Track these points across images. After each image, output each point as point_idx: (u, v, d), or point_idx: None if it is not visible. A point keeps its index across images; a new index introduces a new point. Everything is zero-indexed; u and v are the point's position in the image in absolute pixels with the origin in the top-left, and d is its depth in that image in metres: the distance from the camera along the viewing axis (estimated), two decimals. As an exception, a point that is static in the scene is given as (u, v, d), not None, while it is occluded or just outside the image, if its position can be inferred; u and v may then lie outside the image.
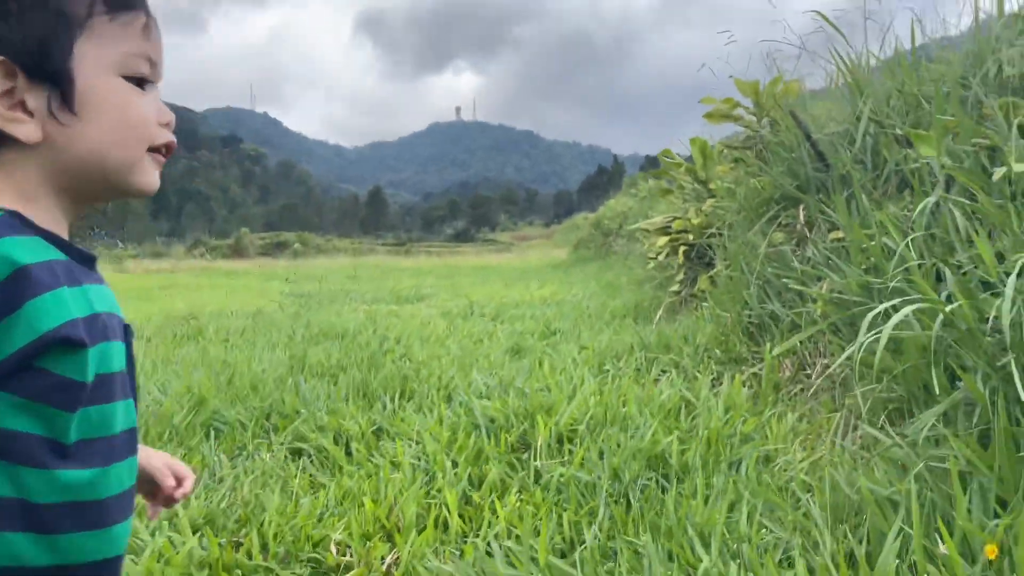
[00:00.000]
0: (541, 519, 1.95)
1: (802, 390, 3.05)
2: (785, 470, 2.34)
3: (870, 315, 2.01)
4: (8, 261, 0.60)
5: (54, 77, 0.66)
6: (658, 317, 5.84)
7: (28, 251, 0.62)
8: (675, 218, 6.19)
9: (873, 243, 2.66)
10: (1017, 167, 2.03)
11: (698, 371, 3.50)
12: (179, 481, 0.90)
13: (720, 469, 2.35)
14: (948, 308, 1.94)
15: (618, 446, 2.44)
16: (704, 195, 6.06)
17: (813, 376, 2.96)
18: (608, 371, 3.76)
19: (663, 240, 6.12)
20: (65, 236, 0.70)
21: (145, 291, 11.31)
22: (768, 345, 3.24)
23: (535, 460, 2.43)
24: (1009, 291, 1.69)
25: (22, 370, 0.61)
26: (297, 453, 2.64)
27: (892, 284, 2.19)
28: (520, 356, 4.48)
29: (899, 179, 3.27)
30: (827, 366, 2.91)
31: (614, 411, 2.82)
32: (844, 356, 2.13)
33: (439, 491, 2.10)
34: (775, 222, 3.94)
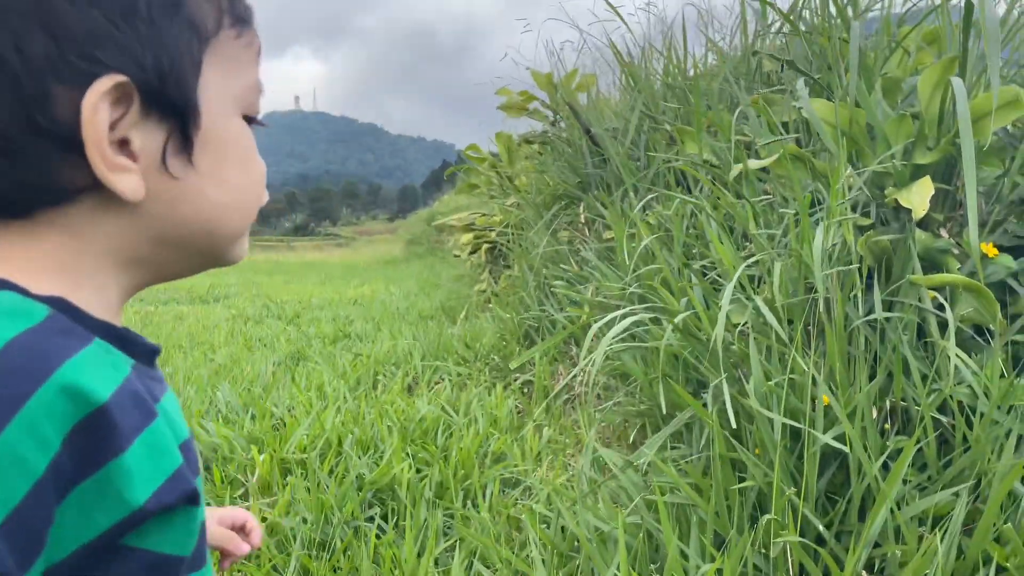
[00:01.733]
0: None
1: (568, 401, 2.86)
2: (527, 496, 2.10)
3: (596, 325, 1.80)
4: (81, 397, 0.38)
5: (179, 109, 0.45)
6: (461, 318, 5.59)
7: (98, 373, 0.40)
8: (480, 215, 5.97)
9: (633, 245, 2.49)
10: (753, 164, 1.89)
11: (470, 380, 3.25)
12: (243, 529, 0.77)
13: (458, 498, 2.08)
14: (680, 317, 1.76)
15: (343, 477, 2.10)
16: (509, 191, 5.88)
17: (577, 386, 2.77)
18: (379, 381, 3.43)
19: (467, 237, 5.88)
20: (119, 322, 0.49)
21: None
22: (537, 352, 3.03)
23: (254, 500, 2.05)
24: (725, 301, 1.51)
25: (106, 552, 0.41)
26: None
27: (633, 290, 2.00)
28: (296, 365, 4.05)
29: (675, 177, 3.17)
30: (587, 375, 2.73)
31: (362, 433, 2.49)
32: (578, 368, 1.92)
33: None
34: (559, 220, 3.77)
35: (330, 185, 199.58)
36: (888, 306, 1.65)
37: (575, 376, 2.57)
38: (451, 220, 6.30)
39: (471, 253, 5.98)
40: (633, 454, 1.86)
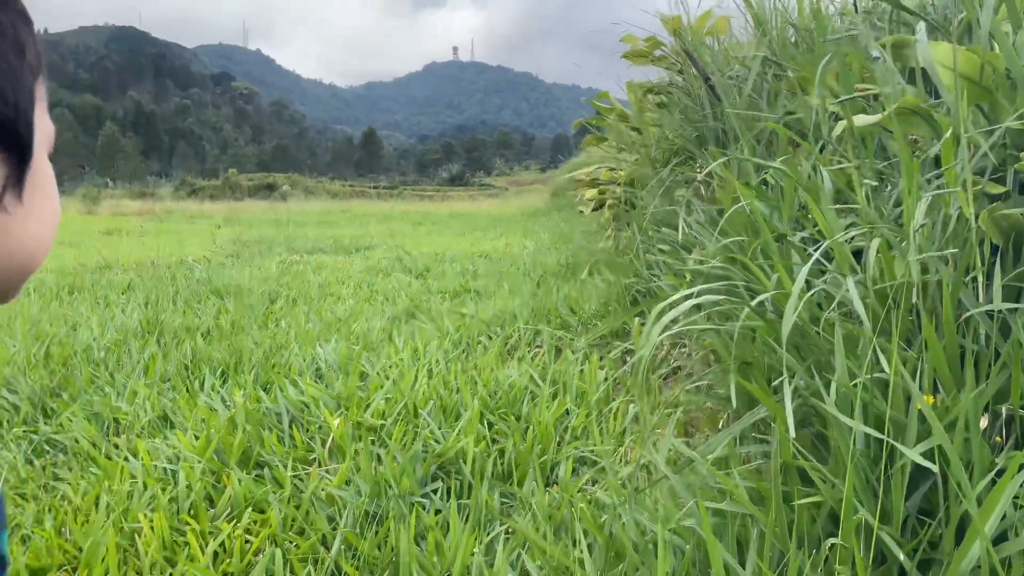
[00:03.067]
0: (250, 558, 1.59)
1: (667, 376, 2.68)
2: (600, 479, 1.98)
3: (661, 305, 1.61)
4: None
5: (24, 146, 0.47)
6: (583, 276, 5.46)
7: None
8: (606, 168, 5.75)
9: (740, 207, 2.25)
10: (860, 120, 1.61)
11: (568, 347, 3.12)
12: None
13: (529, 477, 1.98)
14: (761, 297, 1.55)
15: (407, 446, 2.07)
16: (638, 145, 5.61)
17: (673, 360, 2.58)
18: (480, 343, 3.39)
19: (592, 192, 5.69)
20: None
21: (84, 236, 10.86)
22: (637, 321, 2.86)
23: (318, 466, 2.07)
24: (799, 281, 1.29)
25: None
26: (53, 446, 2.27)
27: (715, 265, 1.79)
28: (406, 322, 4.09)
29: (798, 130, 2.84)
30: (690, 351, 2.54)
31: (444, 399, 2.45)
32: (643, 351, 1.73)
33: (154, 511, 1.73)
34: (675, 178, 3.52)
35: (485, 135, 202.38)
36: (1016, 294, 1.36)
37: (668, 351, 2.39)
38: (578, 174, 6.11)
39: (595, 209, 5.79)
40: (703, 446, 1.69)
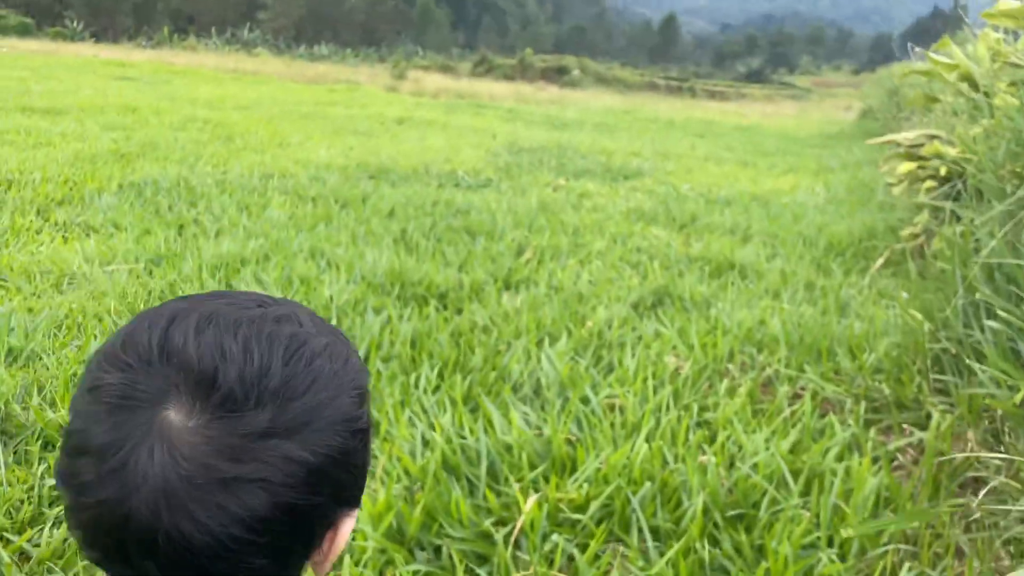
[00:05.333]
0: None
1: (975, 490, 2.01)
2: None
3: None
4: None
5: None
6: (875, 268, 4.58)
7: None
8: (931, 137, 4.66)
9: None
10: None
11: (836, 415, 2.51)
12: None
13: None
14: None
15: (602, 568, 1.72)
16: (983, 115, 4.43)
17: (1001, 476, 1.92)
18: (728, 371, 2.88)
19: (907, 166, 4.66)
20: None
21: (379, 125, 11.51)
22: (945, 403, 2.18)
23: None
24: None
25: None
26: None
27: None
28: (652, 310, 3.66)
29: None
30: None
31: (662, 483, 2.05)
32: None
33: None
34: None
35: (795, 29, 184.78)
36: None
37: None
38: (894, 137, 5.04)
39: (909, 185, 4.76)
40: None
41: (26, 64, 17.54)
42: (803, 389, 2.73)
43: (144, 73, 18.69)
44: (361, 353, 2.70)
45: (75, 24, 59.75)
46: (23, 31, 51.44)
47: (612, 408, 2.45)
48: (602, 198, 6.86)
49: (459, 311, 3.40)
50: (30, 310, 2.81)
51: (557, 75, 61.75)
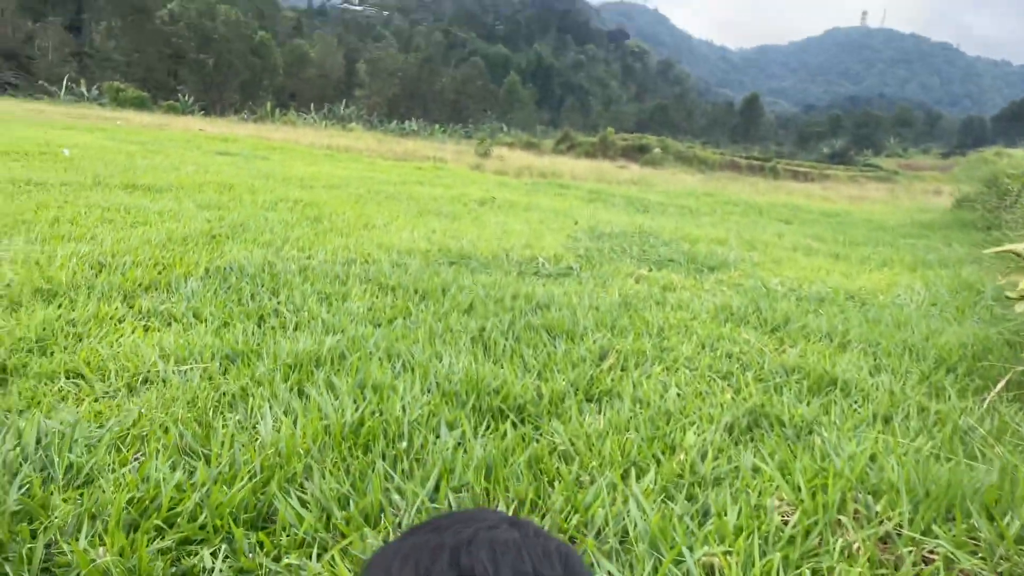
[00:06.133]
0: None
1: None
2: None
3: None
4: None
5: None
6: (994, 394, 4.14)
7: None
8: (1061, 251, 4.25)
9: None
10: None
11: (975, 594, 2.15)
12: None
13: None
14: None
15: None
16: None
17: None
18: (839, 526, 2.54)
19: (1032, 281, 4.25)
20: None
21: (462, 206, 11.60)
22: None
23: None
24: None
25: None
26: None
27: None
28: (751, 435, 3.34)
29: None
30: None
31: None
32: None
33: None
34: None
35: (881, 111, 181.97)
36: None
37: None
38: (1015, 248, 4.64)
39: (1035, 301, 4.34)
40: None
41: (137, 138, 18.67)
42: (932, 554, 2.37)
43: (244, 148, 19.62)
44: (431, 482, 2.51)
45: (187, 98, 64.04)
46: (140, 104, 55.38)
47: (710, 571, 2.16)
48: (687, 292, 6.59)
49: (537, 428, 3.19)
50: (98, 415, 2.74)
51: (638, 153, 62.29)
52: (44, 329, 3.64)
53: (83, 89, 59.99)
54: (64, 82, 60.91)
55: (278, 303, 4.72)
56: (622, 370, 4.11)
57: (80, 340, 3.63)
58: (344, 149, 26.07)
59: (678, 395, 3.76)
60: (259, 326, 4.28)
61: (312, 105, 73.37)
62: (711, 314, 5.78)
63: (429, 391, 3.40)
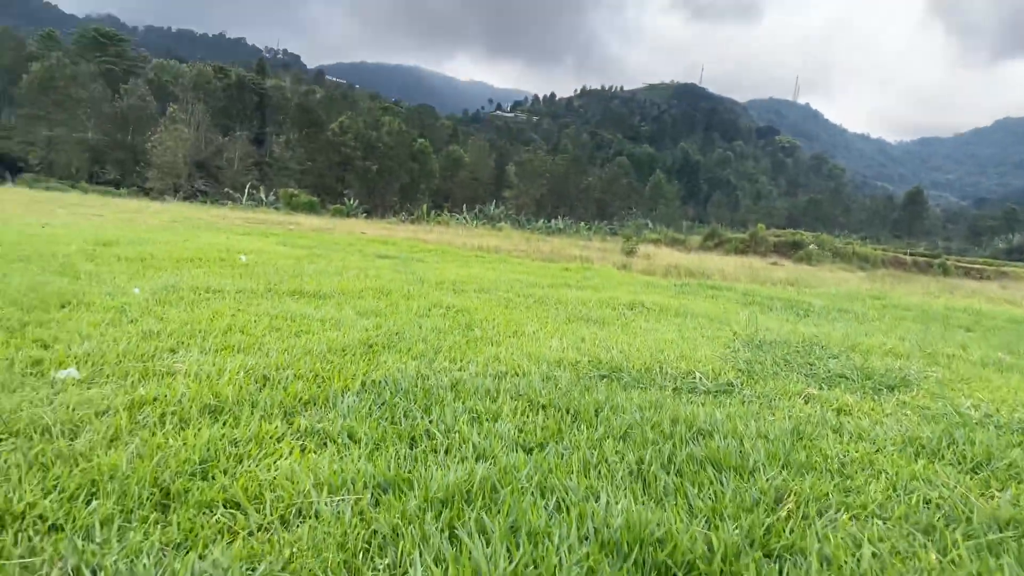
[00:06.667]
0: None
1: None
2: None
3: None
4: None
5: None
6: None
7: None
8: None
9: None
10: None
11: None
12: None
13: None
14: None
15: None
16: None
17: None
18: None
19: None
20: None
21: (611, 311, 11.40)
22: None
23: None
24: None
25: None
26: None
27: None
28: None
29: None
30: None
31: None
32: None
33: None
34: None
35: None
36: None
37: None
38: None
39: None
40: None
41: (305, 242, 20.07)
42: None
43: (401, 250, 20.60)
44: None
45: (351, 201, 68.97)
46: (310, 208, 60.25)
47: None
48: (865, 418, 5.95)
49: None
50: (251, 555, 2.68)
51: (791, 249, 60.03)
52: (208, 450, 3.71)
53: (262, 195, 66.06)
54: (246, 188, 67.42)
55: (430, 422, 4.65)
56: (803, 518, 3.65)
57: (240, 462, 3.67)
58: (494, 249, 26.81)
59: (873, 555, 3.26)
60: (411, 448, 4.19)
61: (464, 205, 76.88)
62: (897, 446, 5.15)
63: (586, 539, 3.12)
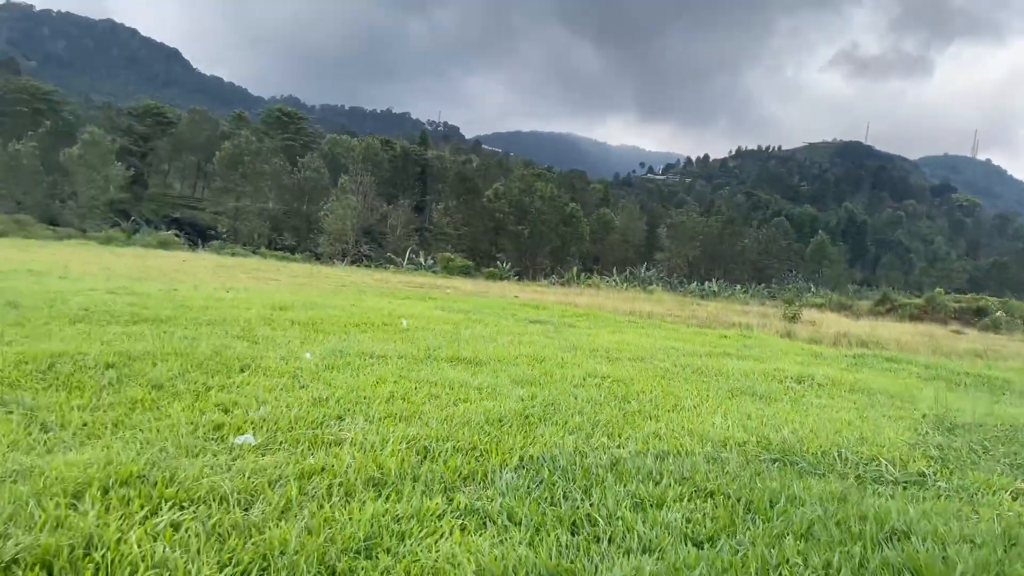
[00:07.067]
0: None
1: None
2: None
3: None
4: None
5: None
6: None
7: None
8: None
9: None
10: None
11: None
12: None
13: None
14: None
15: None
16: None
17: None
18: None
19: None
20: None
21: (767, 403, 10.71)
22: None
23: None
24: None
25: None
26: None
27: None
28: None
29: None
30: None
31: None
32: None
33: None
34: None
35: None
36: None
37: None
38: None
39: None
40: None
41: (461, 306, 20.58)
42: None
43: (553, 315, 20.64)
44: None
45: (504, 264, 70.66)
46: (465, 272, 62.30)
47: None
48: None
49: None
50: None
51: (974, 316, 54.79)
52: (372, 525, 3.70)
53: (421, 259, 69.11)
54: (407, 253, 70.81)
55: (590, 505, 4.44)
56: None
57: (403, 540, 3.63)
58: (647, 314, 26.30)
59: None
60: (572, 534, 4.00)
61: (614, 268, 76.60)
62: None
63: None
